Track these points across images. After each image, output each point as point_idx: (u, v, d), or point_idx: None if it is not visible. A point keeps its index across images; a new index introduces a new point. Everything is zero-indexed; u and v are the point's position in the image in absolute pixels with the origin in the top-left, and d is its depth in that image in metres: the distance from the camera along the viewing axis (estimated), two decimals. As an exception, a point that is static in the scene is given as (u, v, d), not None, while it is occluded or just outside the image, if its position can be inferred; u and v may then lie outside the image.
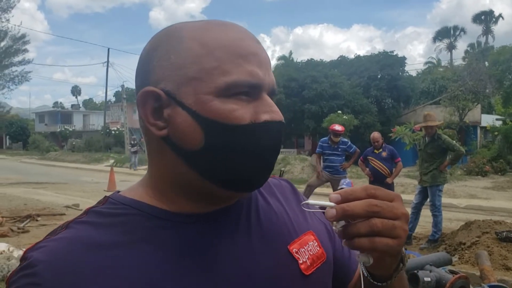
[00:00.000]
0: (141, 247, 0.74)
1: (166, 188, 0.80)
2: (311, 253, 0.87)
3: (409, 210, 7.61)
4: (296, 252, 0.85)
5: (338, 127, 9.05)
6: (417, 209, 7.70)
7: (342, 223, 0.70)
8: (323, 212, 0.70)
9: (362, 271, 0.79)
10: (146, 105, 0.77)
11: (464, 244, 6.65)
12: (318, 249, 0.89)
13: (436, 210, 7.46)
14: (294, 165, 20.08)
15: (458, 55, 59.05)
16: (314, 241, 0.90)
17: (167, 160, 0.78)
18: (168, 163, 0.78)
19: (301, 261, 0.85)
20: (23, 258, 0.73)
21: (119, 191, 0.85)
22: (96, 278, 0.69)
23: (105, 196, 0.83)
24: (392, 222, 0.68)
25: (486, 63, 32.80)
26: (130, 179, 19.57)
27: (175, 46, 0.76)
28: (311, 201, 0.73)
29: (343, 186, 7.60)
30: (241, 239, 0.81)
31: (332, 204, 0.69)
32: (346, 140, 9.45)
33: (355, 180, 15.77)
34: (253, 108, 0.75)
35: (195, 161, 0.76)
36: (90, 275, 0.69)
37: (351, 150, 9.08)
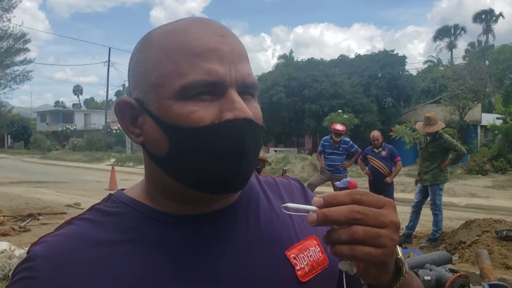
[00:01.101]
0: (136, 246, 0.75)
1: (155, 191, 0.81)
2: (311, 259, 0.84)
3: (409, 209, 7.66)
4: (294, 258, 0.82)
5: (339, 127, 9.04)
6: (417, 208, 7.71)
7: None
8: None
9: (344, 280, 0.76)
10: (124, 114, 0.79)
11: (464, 243, 6.66)
12: (320, 255, 0.86)
13: (436, 209, 7.47)
14: (294, 164, 20.08)
15: (459, 54, 59.08)
16: (317, 246, 0.86)
17: (148, 165, 0.80)
18: (150, 168, 0.80)
19: (298, 267, 0.82)
20: (27, 252, 0.76)
21: (123, 189, 0.87)
22: (89, 275, 0.71)
23: (109, 194, 0.85)
24: (376, 230, 0.64)
25: (487, 62, 32.79)
26: (131, 178, 19.58)
27: (142, 54, 0.77)
28: (291, 204, 0.69)
29: (339, 184, 7.60)
30: (237, 241, 0.80)
31: (314, 208, 0.66)
32: (347, 139, 9.44)
33: (356, 180, 15.76)
34: (218, 107, 0.72)
35: (165, 165, 0.76)
36: (84, 272, 0.71)
37: (352, 150, 9.07)
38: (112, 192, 0.87)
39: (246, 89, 0.76)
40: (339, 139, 8.91)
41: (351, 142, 9.34)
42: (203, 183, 0.74)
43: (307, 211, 0.66)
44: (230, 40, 0.76)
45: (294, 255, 0.83)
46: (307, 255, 0.84)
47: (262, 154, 6.34)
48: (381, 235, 0.65)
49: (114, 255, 0.73)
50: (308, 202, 0.93)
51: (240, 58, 0.76)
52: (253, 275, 0.78)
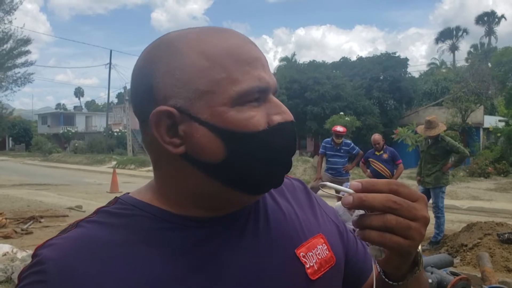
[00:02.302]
0: (145, 248, 0.75)
1: (177, 196, 0.80)
2: (319, 257, 0.86)
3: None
4: (304, 256, 0.84)
5: (339, 128, 9.03)
6: (419, 210, 7.69)
7: (359, 213, 0.70)
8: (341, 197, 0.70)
9: (374, 265, 0.80)
10: (160, 125, 0.75)
11: (466, 245, 6.65)
12: (327, 253, 0.88)
13: (439, 212, 7.47)
14: (296, 166, 20.06)
15: (461, 56, 58.99)
16: (324, 244, 0.89)
17: (185, 175, 0.77)
18: (187, 178, 0.78)
19: (308, 266, 0.84)
20: (34, 255, 0.75)
21: (128, 193, 0.87)
22: (98, 277, 0.71)
23: (116, 197, 0.85)
24: (408, 222, 0.67)
25: (489, 64, 32.88)
26: (133, 180, 19.60)
27: (177, 61, 0.75)
28: (330, 183, 0.73)
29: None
30: (248, 242, 0.81)
31: (351, 191, 0.68)
32: (349, 141, 9.42)
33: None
34: (265, 111, 0.76)
35: (218, 172, 0.75)
36: (93, 275, 0.71)
37: (354, 152, 9.04)
38: (117, 195, 0.87)
39: (274, 94, 0.80)
40: (340, 140, 8.88)
41: (353, 144, 9.31)
42: (255, 184, 0.77)
43: (343, 193, 0.69)
44: (260, 50, 0.80)
45: (304, 254, 0.85)
46: (315, 253, 0.86)
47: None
48: (411, 227, 0.67)
49: (123, 257, 0.74)
50: (311, 202, 0.97)
51: (268, 66, 0.80)
52: (264, 275, 0.79)
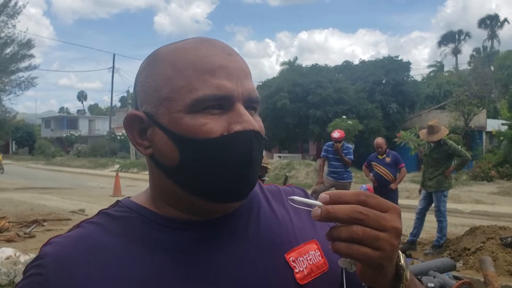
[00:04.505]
0: (139, 249, 0.79)
1: (161, 200, 0.85)
2: (311, 263, 0.86)
3: (414, 216, 7.65)
4: (293, 261, 0.85)
5: (335, 134, 8.85)
6: (421, 214, 7.70)
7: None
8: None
9: (344, 277, 0.79)
10: (132, 127, 0.83)
11: (469, 249, 6.63)
12: (320, 258, 0.88)
13: (441, 216, 7.45)
14: (299, 170, 20.08)
15: (464, 60, 58.95)
16: (317, 250, 0.88)
17: (156, 175, 0.84)
18: (158, 178, 0.84)
19: (297, 270, 0.84)
20: (39, 251, 0.81)
21: (129, 197, 0.91)
22: (93, 274, 0.75)
23: (117, 200, 0.90)
24: (376, 232, 0.66)
25: (492, 67, 32.77)
26: (135, 184, 19.63)
27: (151, 70, 0.82)
28: (297, 197, 0.73)
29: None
30: (237, 246, 0.83)
31: (320, 203, 0.68)
32: (349, 145, 9.33)
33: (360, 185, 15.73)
34: (226, 120, 0.77)
35: (175, 176, 0.80)
36: (89, 271, 0.75)
37: (347, 156, 8.91)
38: (119, 198, 0.92)
39: (250, 104, 0.81)
40: (341, 145, 8.84)
41: (351, 149, 9.18)
42: (211, 192, 0.78)
43: (313, 206, 0.69)
44: (236, 59, 0.82)
45: (294, 258, 0.85)
46: (306, 259, 0.86)
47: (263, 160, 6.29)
48: (380, 238, 0.66)
49: (118, 256, 0.77)
50: (311, 207, 0.95)
51: (245, 75, 0.81)
52: (252, 277, 0.80)
